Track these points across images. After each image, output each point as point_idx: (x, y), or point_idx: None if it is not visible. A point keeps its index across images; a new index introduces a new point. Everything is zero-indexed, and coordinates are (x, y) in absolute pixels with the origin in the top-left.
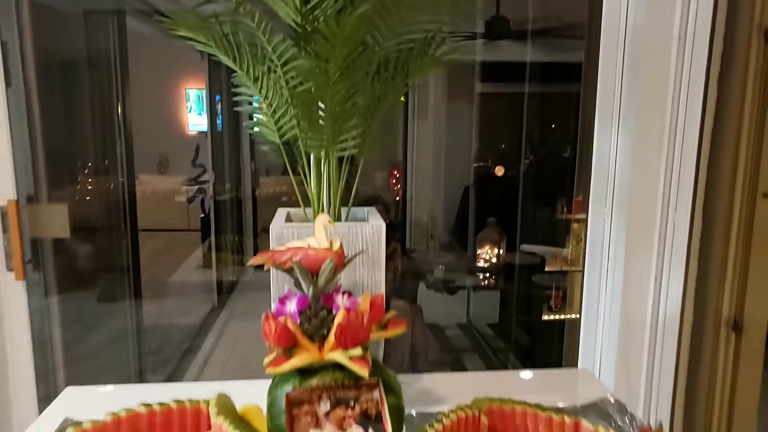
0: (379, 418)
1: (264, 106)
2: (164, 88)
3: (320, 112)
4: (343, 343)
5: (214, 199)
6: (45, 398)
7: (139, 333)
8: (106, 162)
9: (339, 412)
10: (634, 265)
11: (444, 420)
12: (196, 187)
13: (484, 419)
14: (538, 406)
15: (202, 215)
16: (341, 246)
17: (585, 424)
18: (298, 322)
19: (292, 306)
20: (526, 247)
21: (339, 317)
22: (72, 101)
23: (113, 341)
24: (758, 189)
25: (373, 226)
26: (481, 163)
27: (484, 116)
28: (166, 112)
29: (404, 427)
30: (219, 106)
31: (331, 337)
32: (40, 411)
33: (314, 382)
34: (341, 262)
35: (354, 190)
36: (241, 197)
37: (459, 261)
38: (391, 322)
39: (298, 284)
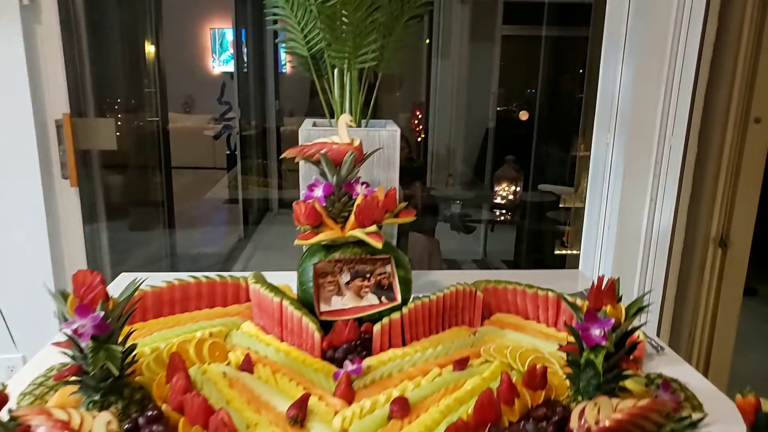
0: (390, 287)
1: (294, 23)
2: (189, 27)
3: (343, 26)
4: (361, 222)
5: (240, 134)
6: None
7: (172, 258)
8: (135, 100)
9: (357, 282)
10: (632, 184)
11: (445, 290)
12: (222, 125)
13: (479, 294)
14: (527, 286)
15: (228, 152)
16: (360, 143)
17: (567, 296)
18: (324, 205)
19: (318, 191)
20: (543, 186)
21: (358, 200)
22: (107, 37)
23: (145, 265)
24: (750, 115)
25: (389, 131)
26: (504, 107)
27: (506, 59)
28: (191, 51)
29: (411, 297)
30: (245, 47)
31: (352, 217)
32: None
33: (337, 255)
34: (360, 155)
35: (372, 104)
36: (266, 134)
37: (477, 198)
38: (402, 212)
39: (323, 174)
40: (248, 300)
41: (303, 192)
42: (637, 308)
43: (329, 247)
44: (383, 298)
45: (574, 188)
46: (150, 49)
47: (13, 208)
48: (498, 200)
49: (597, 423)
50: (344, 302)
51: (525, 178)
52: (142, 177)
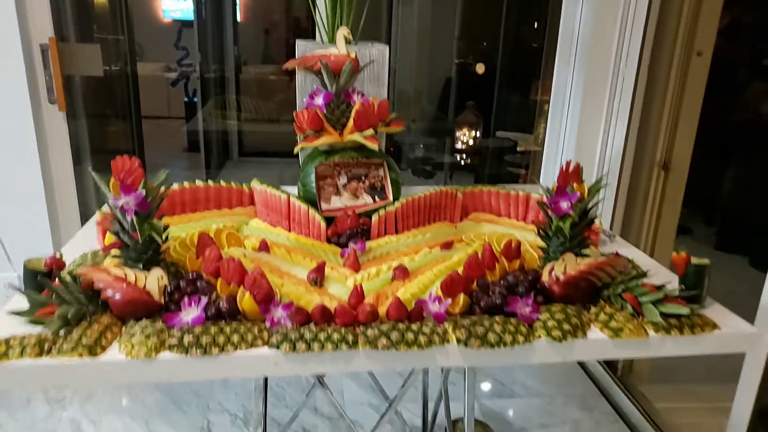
0: (383, 189)
1: None
2: None
3: None
4: (359, 126)
5: (201, 78)
6: (84, 215)
7: None
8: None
9: (353, 184)
10: (589, 110)
11: (430, 190)
12: (179, 71)
13: (459, 195)
14: (500, 187)
15: (186, 99)
16: (356, 56)
17: (534, 195)
18: (324, 112)
19: (319, 99)
20: (500, 133)
21: (356, 106)
22: None
23: None
24: (693, 49)
25: (378, 48)
26: (461, 60)
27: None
28: None
29: (400, 197)
30: None
31: (350, 122)
32: (82, 223)
33: (336, 159)
34: (357, 66)
35: (360, 27)
36: (224, 81)
37: (438, 144)
38: (393, 122)
39: (323, 84)
40: (251, 204)
41: (304, 100)
42: (597, 187)
43: (329, 152)
44: (376, 198)
45: (533, 133)
46: None
47: (4, 133)
48: (459, 145)
49: (564, 273)
50: (342, 201)
51: (484, 126)
52: (110, 125)
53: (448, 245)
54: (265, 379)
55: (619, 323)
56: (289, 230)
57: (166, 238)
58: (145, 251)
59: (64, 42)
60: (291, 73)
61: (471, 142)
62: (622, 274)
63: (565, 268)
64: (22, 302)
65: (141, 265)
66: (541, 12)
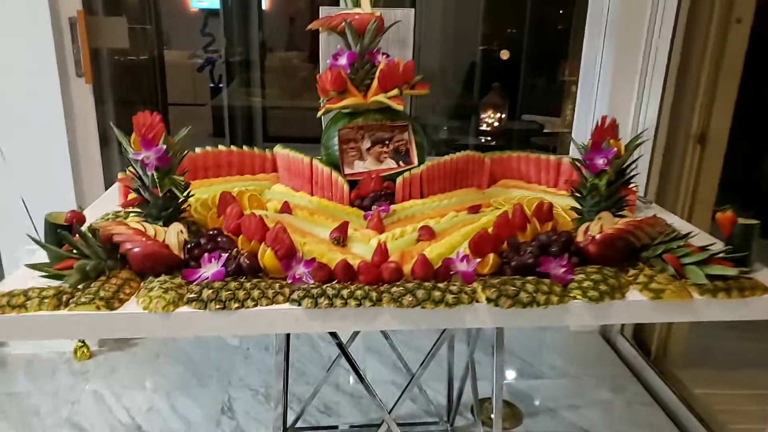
0: (407, 153)
1: None
2: None
3: None
4: (384, 86)
5: (227, 63)
6: (109, 182)
7: None
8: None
9: (377, 148)
10: (621, 84)
11: (458, 154)
12: (205, 57)
13: (487, 161)
14: (530, 151)
15: (212, 85)
16: (381, 15)
17: (565, 160)
18: (348, 72)
19: (343, 60)
20: (526, 116)
21: (381, 65)
22: None
23: None
24: (732, 15)
25: (403, 11)
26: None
27: None
28: None
29: (425, 159)
30: None
31: (374, 83)
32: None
33: (359, 122)
34: (382, 25)
35: None
36: (250, 66)
37: (462, 126)
38: (418, 84)
39: (347, 44)
40: (274, 170)
41: (327, 62)
42: (635, 143)
43: (352, 114)
44: (401, 162)
45: (560, 116)
46: None
47: (33, 106)
48: (483, 127)
49: (600, 232)
50: (366, 166)
51: (510, 110)
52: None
53: (475, 209)
54: (287, 355)
55: (660, 284)
56: (312, 194)
57: (188, 194)
58: (165, 207)
59: (92, 15)
60: (315, 60)
61: (496, 124)
62: (663, 234)
63: (602, 227)
64: (43, 257)
65: (161, 223)
66: None
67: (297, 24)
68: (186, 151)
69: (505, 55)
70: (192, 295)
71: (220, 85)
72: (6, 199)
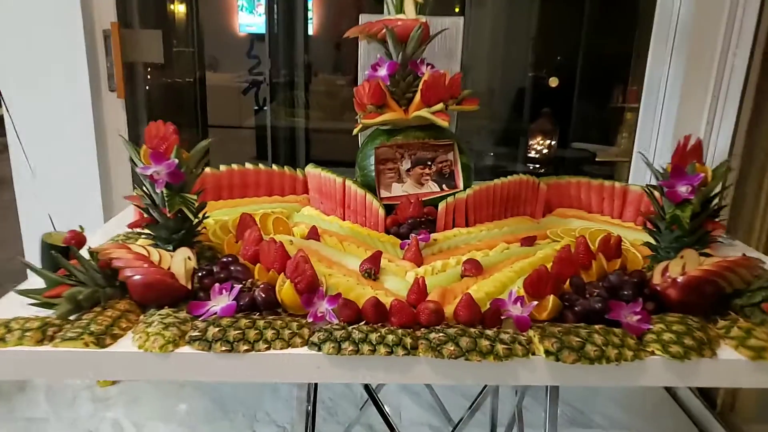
0: (452, 175)
1: None
2: None
3: None
4: (427, 100)
5: (271, 86)
6: None
7: None
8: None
9: (418, 170)
10: (689, 104)
11: (509, 178)
12: (251, 79)
13: (542, 186)
14: (590, 178)
15: (256, 108)
16: (426, 22)
17: (633, 188)
18: (388, 84)
19: (383, 70)
20: (577, 144)
21: (425, 76)
22: None
23: None
24: None
25: (452, 19)
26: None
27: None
28: (214, 10)
29: (471, 182)
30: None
31: (417, 97)
32: None
33: (399, 139)
34: (427, 32)
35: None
36: (294, 88)
37: (509, 152)
38: (466, 99)
39: (388, 54)
40: (305, 192)
41: (365, 73)
42: (724, 169)
43: (391, 132)
44: (444, 186)
45: (614, 143)
46: (180, 8)
47: (63, 119)
48: (532, 154)
49: (684, 274)
50: (405, 189)
51: (560, 138)
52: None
53: (529, 241)
54: (315, 388)
55: (761, 341)
56: (344, 219)
57: (203, 216)
58: (177, 230)
59: (127, 28)
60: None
61: (545, 151)
62: (760, 278)
63: (684, 267)
64: (39, 282)
65: (172, 247)
66: (626, 12)
67: (343, 50)
68: (203, 168)
69: (554, 82)
70: (195, 334)
71: (265, 108)
72: (35, 216)
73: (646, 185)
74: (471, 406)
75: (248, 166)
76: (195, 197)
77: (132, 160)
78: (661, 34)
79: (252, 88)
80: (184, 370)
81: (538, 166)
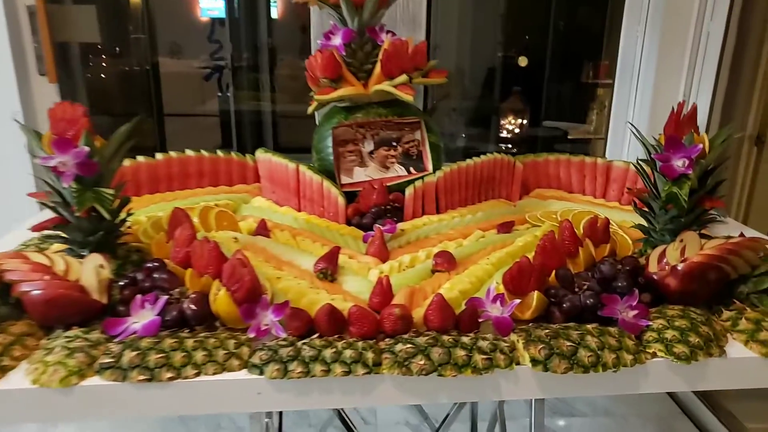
0: (420, 157)
1: None
2: None
3: None
4: (388, 71)
5: (234, 72)
6: None
7: None
8: (121, 47)
9: (382, 151)
10: (665, 78)
11: (483, 158)
12: (213, 65)
13: (518, 165)
14: (571, 155)
15: (219, 94)
16: None
17: (617, 164)
18: (344, 54)
19: (337, 39)
20: (548, 123)
21: (386, 45)
22: None
23: None
24: None
25: None
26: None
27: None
28: None
29: (442, 164)
30: None
31: (377, 68)
32: None
33: (359, 118)
34: None
35: None
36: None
37: (481, 133)
38: (432, 71)
39: (343, 20)
40: (257, 180)
41: (318, 42)
42: (725, 137)
43: (350, 109)
44: (412, 169)
45: (585, 120)
46: None
47: None
48: (504, 134)
49: (684, 260)
50: (367, 173)
51: (531, 116)
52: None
53: (507, 227)
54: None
55: None
56: (299, 209)
57: (128, 214)
58: (92, 231)
59: (55, 3)
60: None
61: (517, 131)
62: (766, 261)
63: (683, 252)
64: None
65: (87, 251)
66: None
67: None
68: (123, 157)
69: (523, 61)
70: (106, 360)
71: (228, 94)
72: None
73: (637, 159)
74: (450, 411)
75: (188, 153)
76: (112, 192)
77: (31, 150)
78: (634, 7)
79: (214, 74)
80: (91, 407)
81: (510, 146)
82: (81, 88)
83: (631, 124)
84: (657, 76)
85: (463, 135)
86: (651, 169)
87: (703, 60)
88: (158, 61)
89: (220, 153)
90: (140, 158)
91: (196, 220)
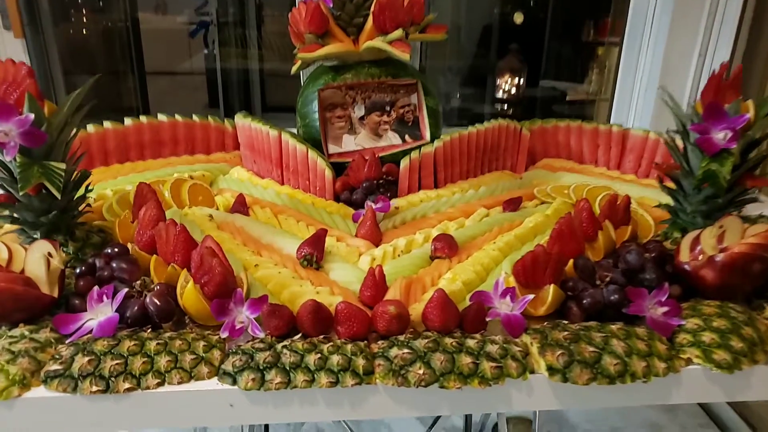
0: (416, 123)
1: None
2: None
3: None
4: (382, 25)
5: (219, 28)
6: None
7: None
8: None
9: (374, 117)
10: (678, 37)
11: (487, 124)
12: (198, 21)
13: (525, 133)
14: (584, 122)
15: (206, 51)
16: None
17: (634, 132)
18: (331, 7)
19: None
20: (545, 82)
21: None
22: None
23: None
24: None
25: None
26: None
27: None
28: None
29: (440, 135)
30: None
31: (369, 23)
32: None
33: (348, 78)
34: None
35: None
36: (246, 29)
37: (477, 93)
38: (430, 27)
39: None
40: (236, 148)
41: None
42: None
43: (338, 69)
44: (407, 137)
45: (584, 80)
46: None
47: None
48: (500, 94)
49: (724, 249)
50: (358, 142)
51: (529, 76)
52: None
53: (513, 204)
54: None
55: None
56: (282, 183)
57: (86, 190)
58: (45, 211)
59: None
60: None
61: (513, 91)
62: None
63: (721, 239)
64: None
65: (39, 234)
66: None
67: None
68: (78, 124)
69: (518, 18)
70: (54, 368)
71: (215, 51)
72: None
73: (667, 131)
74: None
75: (161, 118)
76: (62, 166)
77: None
78: None
79: (200, 30)
80: (35, 423)
81: (506, 106)
82: (52, 44)
83: (663, 89)
84: (670, 35)
85: (458, 95)
86: (683, 142)
87: (722, 18)
88: (138, 16)
89: (195, 118)
90: (107, 124)
91: (167, 194)
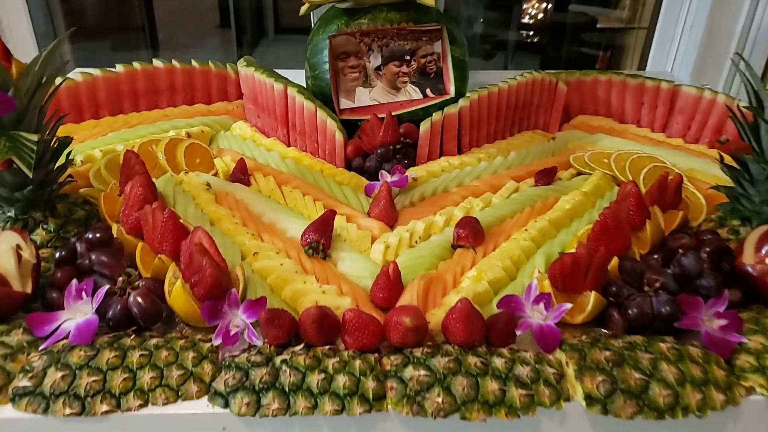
0: (439, 75)
1: None
2: None
3: None
4: None
5: None
6: None
7: None
8: None
9: (392, 67)
10: None
11: (519, 78)
12: None
13: (561, 86)
14: (628, 75)
15: None
16: None
17: (686, 90)
18: None
19: None
20: (574, 7)
21: None
22: None
23: None
24: None
25: None
26: None
27: None
28: None
29: (467, 90)
30: None
31: None
32: None
33: (364, 23)
34: None
35: None
36: None
37: (501, 18)
38: None
39: None
40: (240, 97)
41: None
42: None
43: (352, 12)
44: (428, 91)
45: (617, 5)
46: None
47: None
48: (526, 19)
49: None
50: (373, 96)
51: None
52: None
53: (547, 176)
54: None
55: None
56: (288, 143)
57: (67, 158)
58: (20, 186)
59: None
60: None
61: (540, 16)
62: None
63: None
64: None
65: (14, 212)
66: None
67: None
68: (54, 86)
69: None
70: (23, 384)
71: None
72: None
73: (738, 106)
74: None
75: (157, 63)
76: (34, 138)
77: None
78: None
79: None
80: None
81: (532, 33)
82: None
83: (739, 55)
84: None
85: (481, 20)
86: (754, 115)
87: None
88: None
89: (195, 63)
90: (96, 72)
91: (161, 156)
